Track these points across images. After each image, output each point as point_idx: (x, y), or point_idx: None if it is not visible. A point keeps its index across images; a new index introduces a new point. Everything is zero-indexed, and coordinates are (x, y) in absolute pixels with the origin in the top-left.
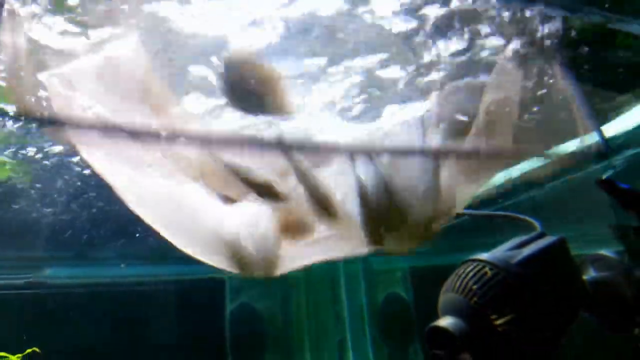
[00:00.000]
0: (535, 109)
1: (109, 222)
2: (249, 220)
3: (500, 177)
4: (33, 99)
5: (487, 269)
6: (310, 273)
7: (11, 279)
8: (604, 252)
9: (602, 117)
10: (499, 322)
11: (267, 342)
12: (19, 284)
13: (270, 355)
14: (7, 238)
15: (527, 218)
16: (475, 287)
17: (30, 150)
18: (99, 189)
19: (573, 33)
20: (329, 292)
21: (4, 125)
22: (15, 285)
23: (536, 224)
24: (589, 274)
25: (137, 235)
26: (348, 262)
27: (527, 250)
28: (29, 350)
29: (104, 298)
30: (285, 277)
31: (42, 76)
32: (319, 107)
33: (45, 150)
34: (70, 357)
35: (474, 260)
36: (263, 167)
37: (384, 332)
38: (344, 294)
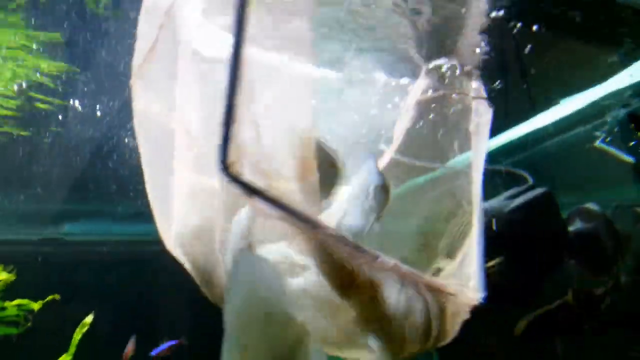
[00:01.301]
0: None
1: (127, 179)
2: None
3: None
4: None
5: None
6: None
7: (27, 234)
8: (589, 205)
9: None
10: (489, 264)
11: None
12: (34, 240)
13: None
14: (23, 193)
15: (521, 172)
16: None
17: None
18: (118, 145)
19: None
20: None
21: None
22: (30, 241)
23: (528, 177)
24: (575, 225)
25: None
26: None
27: (517, 200)
28: (49, 298)
29: (120, 255)
30: None
31: None
32: None
33: None
34: (86, 311)
35: None
36: None
37: None
38: None
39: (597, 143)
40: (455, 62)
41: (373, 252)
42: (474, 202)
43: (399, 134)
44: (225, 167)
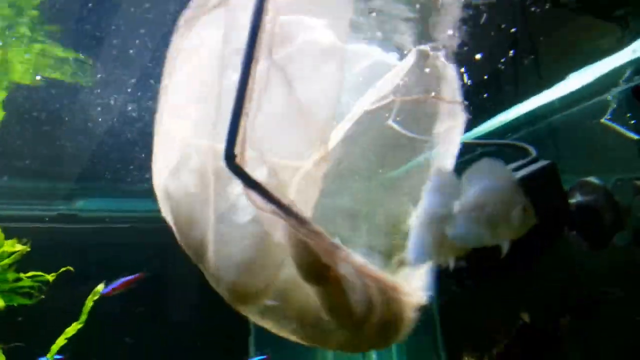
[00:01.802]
0: None
1: (142, 155)
2: None
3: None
4: None
5: None
6: None
7: (43, 210)
8: (591, 178)
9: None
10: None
11: None
12: (52, 215)
13: None
14: (40, 169)
15: (524, 145)
16: None
17: None
18: (134, 121)
19: None
20: None
21: None
22: (47, 217)
23: (532, 150)
24: (576, 198)
25: None
26: None
27: (521, 172)
28: (63, 269)
29: (134, 231)
30: None
31: None
32: None
33: None
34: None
35: None
36: None
37: None
38: None
39: (603, 119)
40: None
41: (346, 250)
42: (419, 205)
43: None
44: (230, 158)
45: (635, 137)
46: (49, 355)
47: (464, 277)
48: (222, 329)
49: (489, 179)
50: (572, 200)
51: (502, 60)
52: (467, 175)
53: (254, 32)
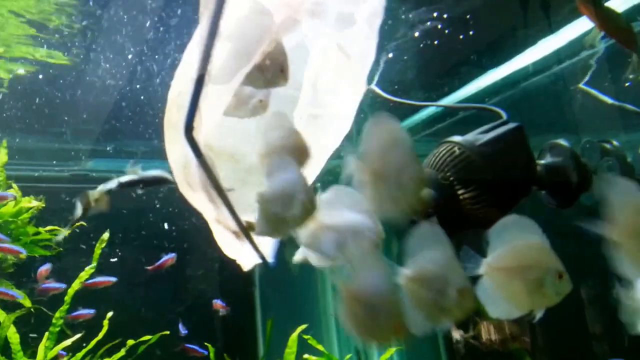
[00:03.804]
0: None
1: (154, 116)
2: None
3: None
4: None
5: (456, 148)
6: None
7: (55, 171)
8: (560, 140)
9: None
10: (461, 191)
11: None
12: (65, 176)
13: None
14: (52, 129)
15: (495, 108)
16: (445, 163)
17: None
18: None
19: None
20: None
21: None
22: (60, 177)
23: (502, 113)
24: (545, 159)
25: None
26: None
27: (490, 134)
28: (74, 225)
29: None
30: None
31: None
32: None
33: None
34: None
35: (447, 142)
36: None
37: None
38: None
39: (581, 84)
40: None
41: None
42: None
43: None
44: (188, 130)
45: (610, 100)
46: (66, 298)
47: None
48: (229, 281)
49: (519, 237)
50: (542, 161)
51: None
52: (495, 230)
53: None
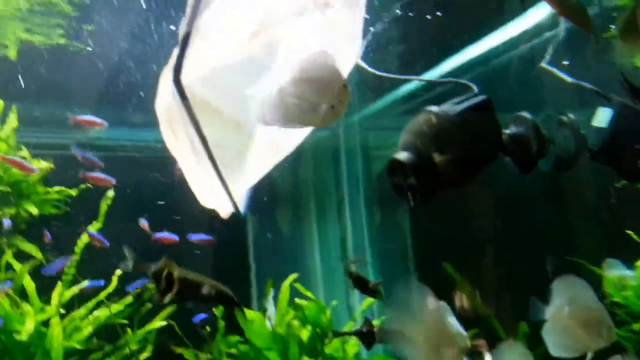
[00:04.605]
0: None
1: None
2: None
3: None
4: None
5: (432, 116)
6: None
7: (58, 138)
8: (523, 113)
9: None
10: (436, 155)
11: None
12: (66, 143)
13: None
14: (55, 96)
15: (467, 82)
16: (422, 129)
17: None
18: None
19: None
20: (332, 164)
21: None
22: (62, 145)
23: (474, 87)
24: (510, 129)
25: None
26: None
27: (462, 104)
28: (83, 186)
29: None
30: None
31: None
32: None
33: None
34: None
35: (425, 111)
36: None
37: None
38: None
39: (543, 63)
40: None
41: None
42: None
43: None
44: (176, 75)
45: (570, 79)
46: (76, 249)
47: (414, 194)
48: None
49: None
50: (507, 131)
51: None
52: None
53: None
